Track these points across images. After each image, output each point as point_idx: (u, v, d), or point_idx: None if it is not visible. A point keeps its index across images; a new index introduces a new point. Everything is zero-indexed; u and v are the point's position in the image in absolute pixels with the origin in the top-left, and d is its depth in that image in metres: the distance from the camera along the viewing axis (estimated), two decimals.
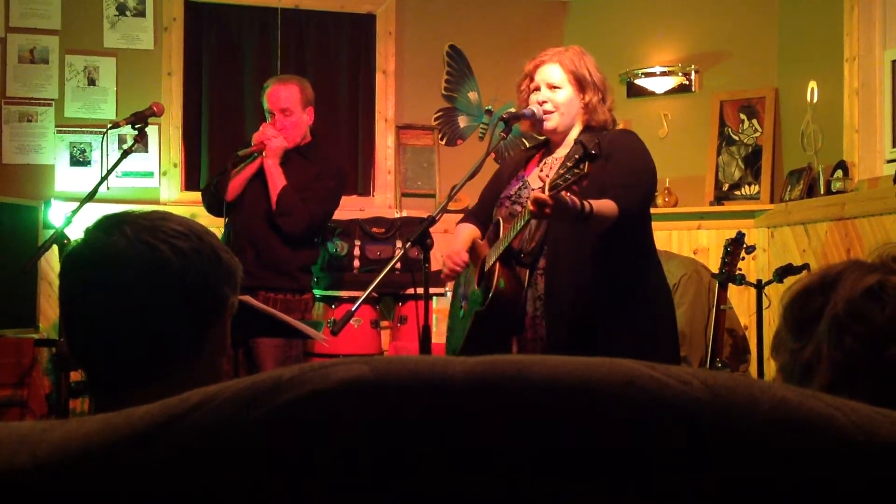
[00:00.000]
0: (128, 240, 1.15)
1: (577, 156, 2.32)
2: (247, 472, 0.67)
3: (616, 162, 2.62)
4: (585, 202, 2.40)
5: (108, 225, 1.18)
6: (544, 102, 2.77)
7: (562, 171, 2.34)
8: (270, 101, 3.88)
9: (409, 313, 4.93)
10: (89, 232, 1.20)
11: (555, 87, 2.77)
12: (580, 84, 2.76)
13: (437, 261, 4.94)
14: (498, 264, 2.69)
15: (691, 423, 0.64)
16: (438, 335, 3.09)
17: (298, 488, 0.66)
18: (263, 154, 3.82)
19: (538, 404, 0.66)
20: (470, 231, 2.99)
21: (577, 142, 2.38)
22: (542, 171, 2.82)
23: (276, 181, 3.80)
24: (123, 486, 0.69)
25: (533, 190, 2.67)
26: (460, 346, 2.85)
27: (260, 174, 3.87)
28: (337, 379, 0.68)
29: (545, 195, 2.32)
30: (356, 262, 5.13)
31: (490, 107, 5.62)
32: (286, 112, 3.86)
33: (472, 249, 2.94)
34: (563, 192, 2.33)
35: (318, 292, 5.02)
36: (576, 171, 2.31)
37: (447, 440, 0.66)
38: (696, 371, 0.67)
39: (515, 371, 0.68)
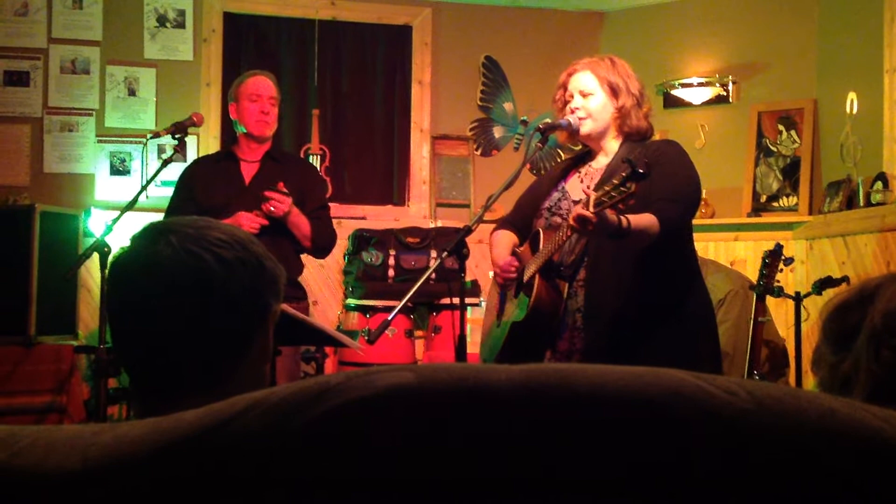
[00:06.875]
0: (173, 248, 1.16)
1: (624, 174, 2.27)
2: (292, 477, 0.67)
3: (660, 175, 2.54)
4: (623, 218, 2.37)
5: (153, 234, 1.19)
6: (577, 109, 2.76)
7: (608, 189, 2.30)
8: (260, 87, 3.76)
9: (443, 323, 4.93)
10: (135, 240, 1.21)
11: (587, 94, 2.75)
12: (613, 90, 2.74)
13: (472, 271, 4.95)
14: (538, 276, 2.67)
15: (738, 433, 0.63)
16: (473, 345, 3.08)
17: (344, 495, 0.67)
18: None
19: (582, 413, 0.66)
20: (508, 239, 2.96)
21: (625, 160, 2.32)
22: (582, 181, 2.79)
23: (303, 227, 3.68)
24: (171, 489, 0.69)
25: (574, 202, 2.65)
26: (495, 356, 2.84)
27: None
28: (382, 385, 0.68)
29: (589, 212, 2.30)
30: (391, 272, 5.15)
31: (525, 117, 5.62)
32: (273, 101, 3.78)
33: (515, 255, 2.92)
34: (606, 210, 2.31)
35: (352, 302, 5.04)
36: (622, 189, 2.26)
37: (491, 448, 0.66)
38: (741, 381, 0.66)
39: (559, 380, 0.68)
